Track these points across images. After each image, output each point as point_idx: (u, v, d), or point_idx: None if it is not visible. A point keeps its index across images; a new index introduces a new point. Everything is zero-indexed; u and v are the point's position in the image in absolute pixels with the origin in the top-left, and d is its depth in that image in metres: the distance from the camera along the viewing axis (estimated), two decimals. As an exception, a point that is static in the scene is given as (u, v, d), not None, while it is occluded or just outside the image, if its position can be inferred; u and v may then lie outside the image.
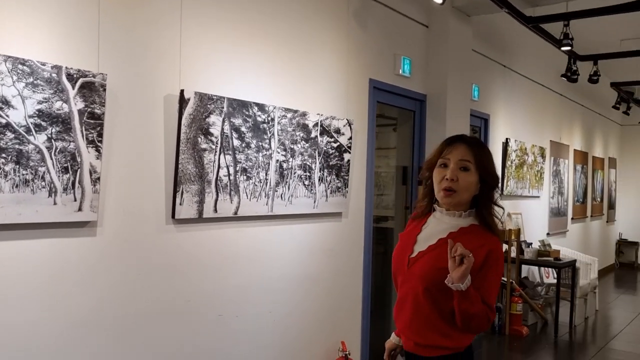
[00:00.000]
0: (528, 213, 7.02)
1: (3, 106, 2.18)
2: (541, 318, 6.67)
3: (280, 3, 3.44)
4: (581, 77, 6.58)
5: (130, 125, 2.67)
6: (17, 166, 2.24)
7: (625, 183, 11.89)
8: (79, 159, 2.43)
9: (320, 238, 3.82)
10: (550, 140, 7.83)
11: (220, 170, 3.03)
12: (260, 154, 3.27)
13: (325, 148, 3.72)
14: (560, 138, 8.25)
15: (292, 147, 3.48)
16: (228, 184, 3.08)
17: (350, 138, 3.90)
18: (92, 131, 2.47)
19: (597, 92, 9.30)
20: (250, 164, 3.21)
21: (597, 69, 6.83)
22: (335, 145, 3.80)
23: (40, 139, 2.30)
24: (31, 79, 2.25)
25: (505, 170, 6.32)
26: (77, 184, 2.43)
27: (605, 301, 8.11)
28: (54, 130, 2.34)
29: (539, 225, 7.49)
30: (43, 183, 2.32)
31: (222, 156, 3.03)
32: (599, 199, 10.44)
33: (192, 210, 2.90)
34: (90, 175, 2.47)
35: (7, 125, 2.20)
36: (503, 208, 2.07)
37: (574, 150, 8.89)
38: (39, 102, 2.29)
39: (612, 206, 11.43)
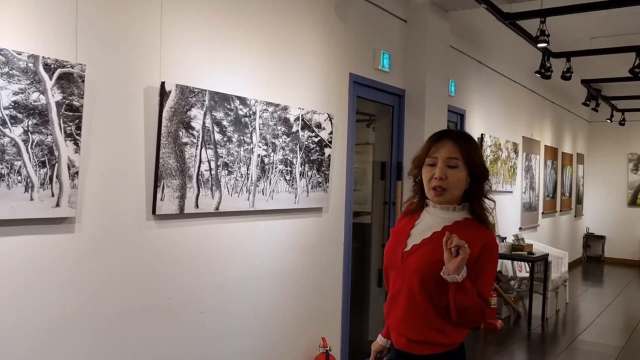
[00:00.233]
0: (501, 208, 7.10)
1: (-23, 97, 2.08)
2: (514, 311, 6.78)
3: (261, -5, 3.38)
4: (553, 74, 6.68)
5: (110, 118, 2.58)
6: (-8, 160, 2.14)
7: (592, 178, 12.18)
8: (56, 153, 2.34)
9: (301, 233, 3.78)
10: (523, 136, 7.94)
11: (201, 164, 2.96)
12: (242, 149, 3.21)
13: (306, 143, 3.68)
14: (532, 134, 8.37)
15: (273, 141, 3.43)
16: (209, 178, 3.01)
17: (331, 133, 3.87)
18: (71, 124, 2.38)
19: (567, 89, 9.48)
20: (232, 158, 3.15)
21: (570, 65, 6.95)
22: (316, 139, 3.76)
23: (16, 132, 2.20)
24: (6, 69, 2.15)
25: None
26: (54, 179, 2.34)
27: (574, 294, 8.29)
28: (30, 122, 2.24)
29: (512, 220, 7.59)
30: (19, 178, 2.22)
31: (203, 150, 2.97)
32: (567, 194, 10.65)
33: (173, 205, 2.83)
34: (69, 169, 2.38)
35: (-19, 117, 2.10)
36: (494, 201, 2.07)
37: (545, 146, 9.04)
38: (15, 93, 2.18)
39: (579, 201, 11.68)
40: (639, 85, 9.32)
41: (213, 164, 3.03)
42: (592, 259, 12.03)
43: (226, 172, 3.11)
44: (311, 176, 3.75)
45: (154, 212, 2.76)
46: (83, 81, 2.39)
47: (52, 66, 2.29)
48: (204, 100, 2.94)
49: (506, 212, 7.31)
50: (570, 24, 6.52)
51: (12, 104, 2.18)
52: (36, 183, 2.28)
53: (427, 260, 1.87)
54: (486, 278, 1.87)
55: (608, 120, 10.86)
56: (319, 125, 3.77)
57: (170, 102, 2.76)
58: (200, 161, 2.95)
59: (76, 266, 2.47)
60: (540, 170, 8.81)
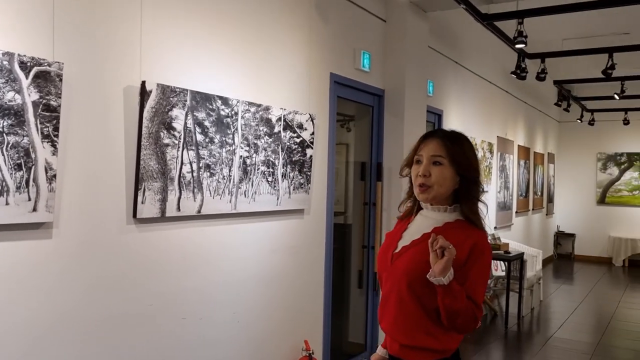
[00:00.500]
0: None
1: (-52, 96, 1.97)
2: (491, 310, 6.83)
3: (242, -8, 3.31)
4: (527, 75, 6.75)
5: (89, 119, 2.48)
6: (-35, 163, 2.03)
7: (562, 177, 12.40)
8: (33, 155, 2.24)
9: (283, 236, 3.72)
10: (497, 136, 8.01)
11: (183, 166, 2.88)
12: (224, 150, 3.13)
13: (288, 143, 3.62)
14: (506, 134, 8.46)
15: (255, 142, 3.36)
16: (191, 181, 2.93)
17: (313, 133, 3.82)
18: (48, 125, 2.27)
19: (539, 89, 9.62)
20: (214, 159, 3.07)
21: (544, 66, 7.03)
22: (298, 140, 3.71)
23: (-10, 133, 2.10)
24: (-20, 67, 2.04)
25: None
26: (31, 182, 2.23)
27: (547, 292, 8.41)
28: (5, 123, 2.14)
29: (487, 219, 7.64)
30: (-6, 181, 2.11)
31: (185, 152, 2.88)
32: (539, 193, 10.81)
33: (154, 209, 2.74)
34: (46, 172, 2.28)
35: (-47, 118, 1.99)
36: (486, 204, 2.05)
37: (518, 145, 9.15)
38: (-11, 93, 2.08)
39: (550, 200, 11.88)
40: (607, 86, 9.51)
41: (195, 166, 2.95)
42: (562, 256, 12.25)
43: (208, 174, 3.04)
44: (293, 177, 3.70)
45: (134, 215, 2.67)
46: (61, 80, 2.29)
47: (28, 64, 2.18)
48: (186, 100, 2.86)
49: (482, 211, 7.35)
50: (542, 25, 6.59)
51: (-14, 104, 2.07)
52: (12, 187, 2.17)
53: (414, 261, 1.83)
54: (476, 280, 1.81)
55: (578, 120, 11.06)
56: (300, 126, 3.72)
57: (151, 102, 2.67)
58: (182, 163, 2.87)
59: (54, 273, 2.37)
60: (514, 169, 8.92)
